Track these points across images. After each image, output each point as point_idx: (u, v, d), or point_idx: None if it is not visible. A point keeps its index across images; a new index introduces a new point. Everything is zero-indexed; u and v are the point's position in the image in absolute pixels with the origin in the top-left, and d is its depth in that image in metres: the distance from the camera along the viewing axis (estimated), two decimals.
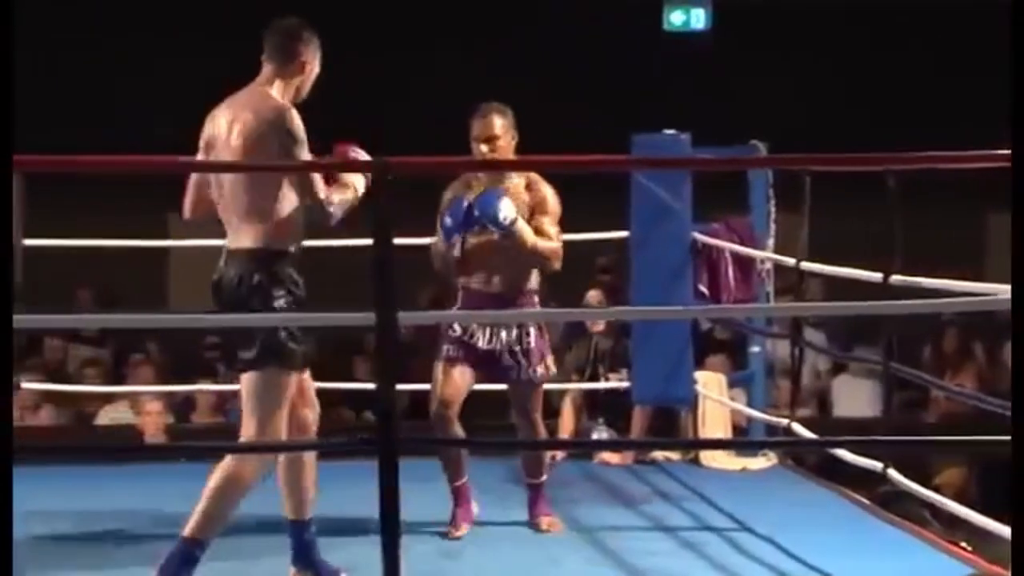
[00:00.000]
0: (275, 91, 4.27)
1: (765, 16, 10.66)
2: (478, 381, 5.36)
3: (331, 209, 4.22)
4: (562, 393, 7.33)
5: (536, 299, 5.37)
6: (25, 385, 7.61)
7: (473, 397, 5.35)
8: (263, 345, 4.16)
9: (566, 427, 7.20)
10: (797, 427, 6.19)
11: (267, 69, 4.31)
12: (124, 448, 7.08)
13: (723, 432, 6.94)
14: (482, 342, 5.29)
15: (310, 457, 4.42)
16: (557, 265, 5.30)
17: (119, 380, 9.19)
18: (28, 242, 6.39)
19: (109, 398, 8.69)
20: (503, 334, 5.32)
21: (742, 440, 7.23)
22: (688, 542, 5.19)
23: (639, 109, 7.91)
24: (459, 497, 5.35)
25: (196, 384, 8.69)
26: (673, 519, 5.61)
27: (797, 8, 10.68)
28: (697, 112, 7.43)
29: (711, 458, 6.74)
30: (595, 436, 7.02)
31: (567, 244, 5.34)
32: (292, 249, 4.22)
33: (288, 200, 4.18)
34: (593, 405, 7.23)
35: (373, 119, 5.13)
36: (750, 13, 10.63)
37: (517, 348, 5.31)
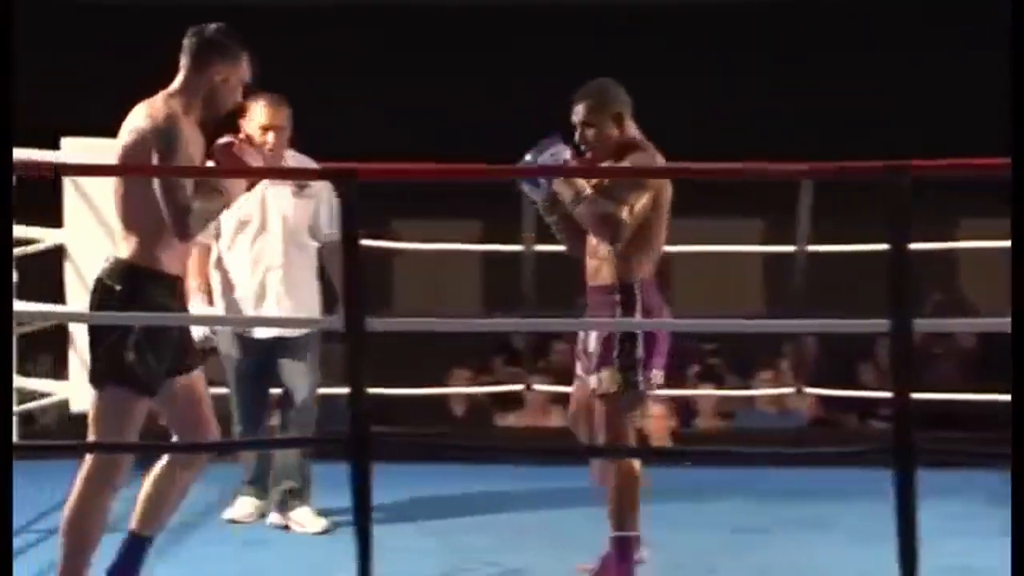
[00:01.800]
0: (176, 100, 4.02)
1: None
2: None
3: (188, 220, 3.89)
4: None
5: (616, 297, 4.41)
6: (536, 387, 7.82)
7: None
8: (105, 361, 3.91)
9: None
10: None
11: (178, 76, 4.08)
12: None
13: None
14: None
15: (186, 476, 4.10)
16: (615, 234, 4.30)
17: None
18: (539, 248, 6.57)
19: None
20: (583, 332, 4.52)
21: None
22: None
23: None
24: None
25: (698, 389, 8.73)
26: None
27: None
28: None
29: None
30: None
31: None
32: (166, 270, 3.97)
33: (158, 214, 3.91)
34: None
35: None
36: None
37: (585, 347, 4.51)
